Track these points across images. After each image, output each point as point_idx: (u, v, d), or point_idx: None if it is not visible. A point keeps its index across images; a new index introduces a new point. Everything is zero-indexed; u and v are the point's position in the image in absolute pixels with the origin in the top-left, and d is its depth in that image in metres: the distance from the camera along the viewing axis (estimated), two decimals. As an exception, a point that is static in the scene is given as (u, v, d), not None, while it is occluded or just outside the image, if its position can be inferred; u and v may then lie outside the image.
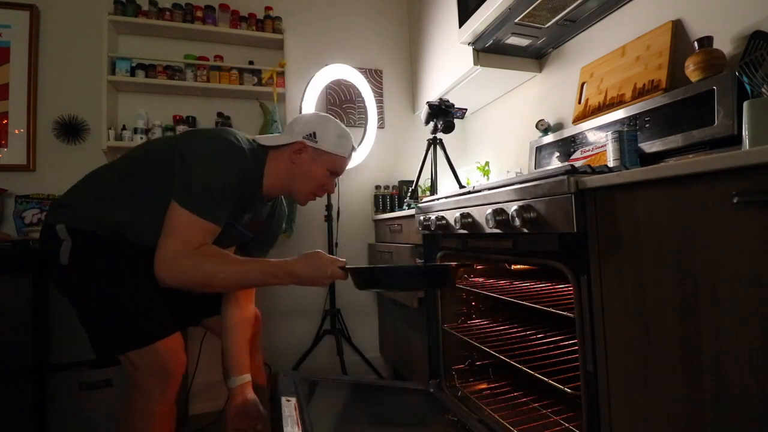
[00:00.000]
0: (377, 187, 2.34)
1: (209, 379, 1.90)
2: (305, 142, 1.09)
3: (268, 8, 2.19)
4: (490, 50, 1.79)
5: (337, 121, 1.17)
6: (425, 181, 2.17)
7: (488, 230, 1.02)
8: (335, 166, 1.14)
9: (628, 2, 1.41)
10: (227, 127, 1.10)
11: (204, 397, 1.92)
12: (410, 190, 2.00)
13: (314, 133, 1.10)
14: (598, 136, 1.40)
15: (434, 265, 1.02)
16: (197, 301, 1.19)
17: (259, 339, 1.35)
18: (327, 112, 2.33)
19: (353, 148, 1.19)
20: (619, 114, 1.32)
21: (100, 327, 0.98)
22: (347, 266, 1.01)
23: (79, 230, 0.97)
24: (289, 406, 1.01)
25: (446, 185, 2.37)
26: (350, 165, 2.09)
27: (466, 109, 1.93)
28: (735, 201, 0.53)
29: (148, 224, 0.97)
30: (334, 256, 1.03)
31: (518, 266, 1.57)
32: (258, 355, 1.32)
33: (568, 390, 0.89)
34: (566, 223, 0.79)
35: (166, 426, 1.00)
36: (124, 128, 1.92)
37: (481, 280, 1.54)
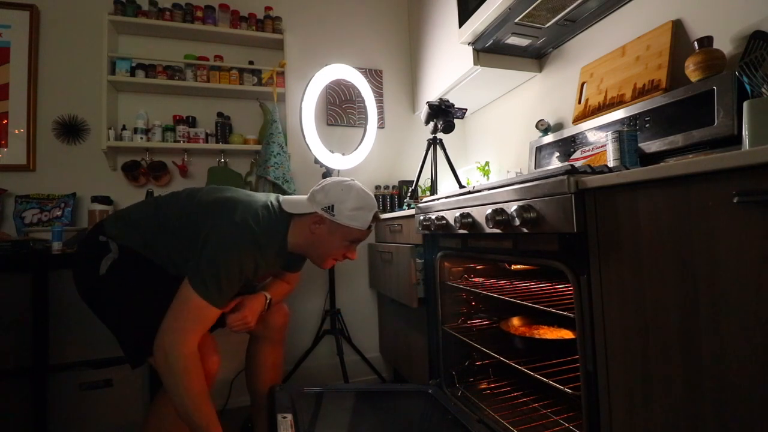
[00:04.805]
0: (377, 187, 2.34)
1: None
2: (323, 215, 1.11)
3: (268, 8, 2.19)
4: (490, 50, 1.79)
5: (360, 190, 1.14)
6: (425, 181, 2.17)
7: (488, 230, 1.02)
8: (353, 237, 1.15)
9: (628, 2, 1.41)
10: (248, 207, 1.10)
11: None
12: (410, 190, 2.00)
13: (332, 206, 1.10)
14: (598, 136, 1.40)
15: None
16: None
17: (286, 334, 1.44)
18: (327, 112, 2.34)
19: (375, 217, 1.16)
20: (619, 114, 1.32)
21: (133, 331, 1.04)
22: None
23: (127, 247, 1.06)
24: (284, 424, 1.02)
25: (446, 185, 2.37)
26: (350, 165, 2.11)
27: (466, 109, 1.93)
28: (735, 201, 0.53)
29: (181, 263, 1.08)
30: None
31: (518, 266, 1.57)
32: (281, 349, 1.42)
33: (568, 390, 0.89)
34: (566, 223, 0.79)
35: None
36: (124, 128, 1.92)
37: (481, 280, 1.54)
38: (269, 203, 1.15)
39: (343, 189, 1.12)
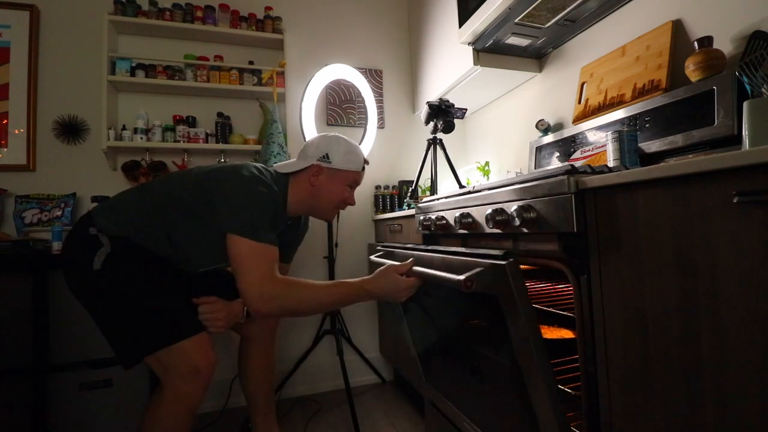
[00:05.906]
0: (377, 187, 2.34)
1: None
2: (321, 164, 1.19)
3: (268, 8, 2.19)
4: (490, 50, 1.79)
5: (345, 137, 1.24)
6: (425, 181, 2.17)
7: (488, 230, 1.02)
8: (351, 180, 1.25)
9: (628, 2, 1.41)
10: (248, 163, 1.19)
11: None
12: (410, 190, 2.00)
13: (327, 155, 1.19)
14: (598, 136, 1.40)
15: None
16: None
17: (276, 332, 1.44)
18: (327, 112, 2.34)
19: (365, 160, 1.30)
20: (619, 114, 1.32)
21: (128, 330, 1.02)
22: (414, 269, 1.03)
23: (118, 237, 1.04)
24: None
25: (446, 185, 2.37)
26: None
27: (466, 109, 1.93)
28: (735, 201, 0.53)
29: (182, 240, 1.09)
30: (401, 264, 1.07)
31: (518, 266, 1.57)
32: (272, 351, 1.42)
33: (568, 390, 0.89)
34: (566, 223, 0.79)
35: (190, 425, 1.04)
36: (124, 128, 1.92)
37: (481, 280, 1.54)
38: (265, 167, 1.21)
39: (331, 139, 1.22)
